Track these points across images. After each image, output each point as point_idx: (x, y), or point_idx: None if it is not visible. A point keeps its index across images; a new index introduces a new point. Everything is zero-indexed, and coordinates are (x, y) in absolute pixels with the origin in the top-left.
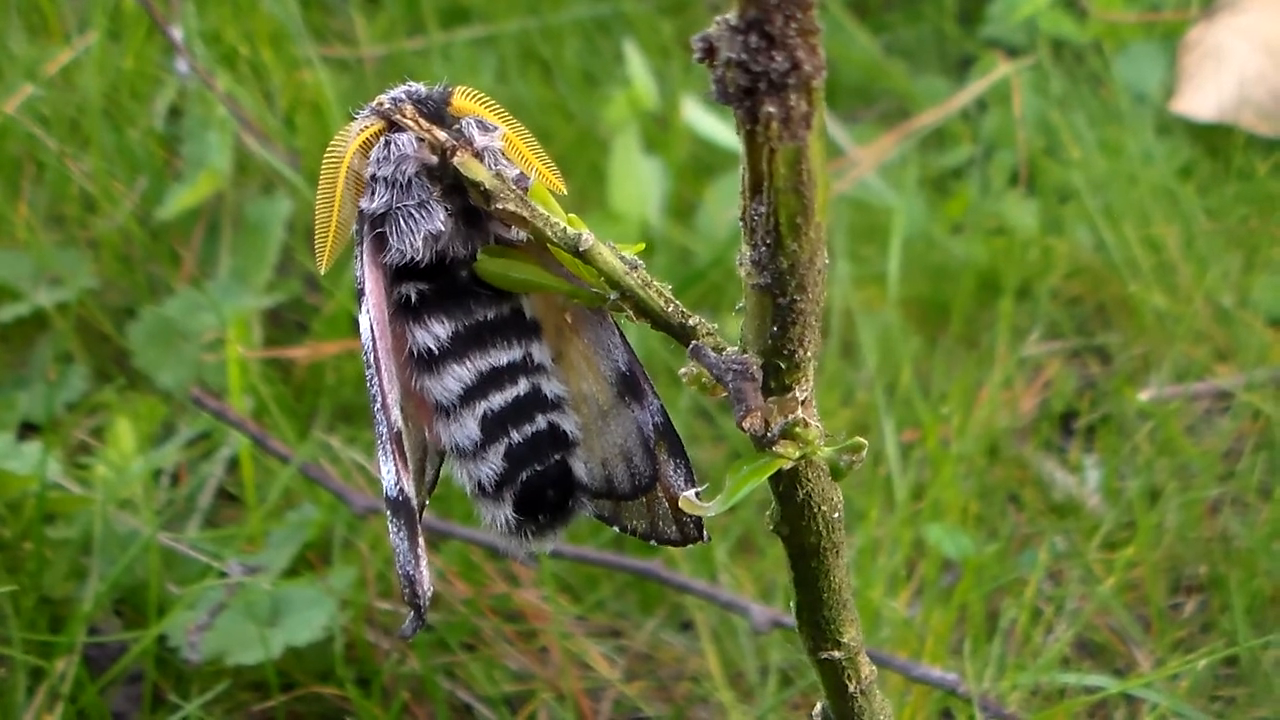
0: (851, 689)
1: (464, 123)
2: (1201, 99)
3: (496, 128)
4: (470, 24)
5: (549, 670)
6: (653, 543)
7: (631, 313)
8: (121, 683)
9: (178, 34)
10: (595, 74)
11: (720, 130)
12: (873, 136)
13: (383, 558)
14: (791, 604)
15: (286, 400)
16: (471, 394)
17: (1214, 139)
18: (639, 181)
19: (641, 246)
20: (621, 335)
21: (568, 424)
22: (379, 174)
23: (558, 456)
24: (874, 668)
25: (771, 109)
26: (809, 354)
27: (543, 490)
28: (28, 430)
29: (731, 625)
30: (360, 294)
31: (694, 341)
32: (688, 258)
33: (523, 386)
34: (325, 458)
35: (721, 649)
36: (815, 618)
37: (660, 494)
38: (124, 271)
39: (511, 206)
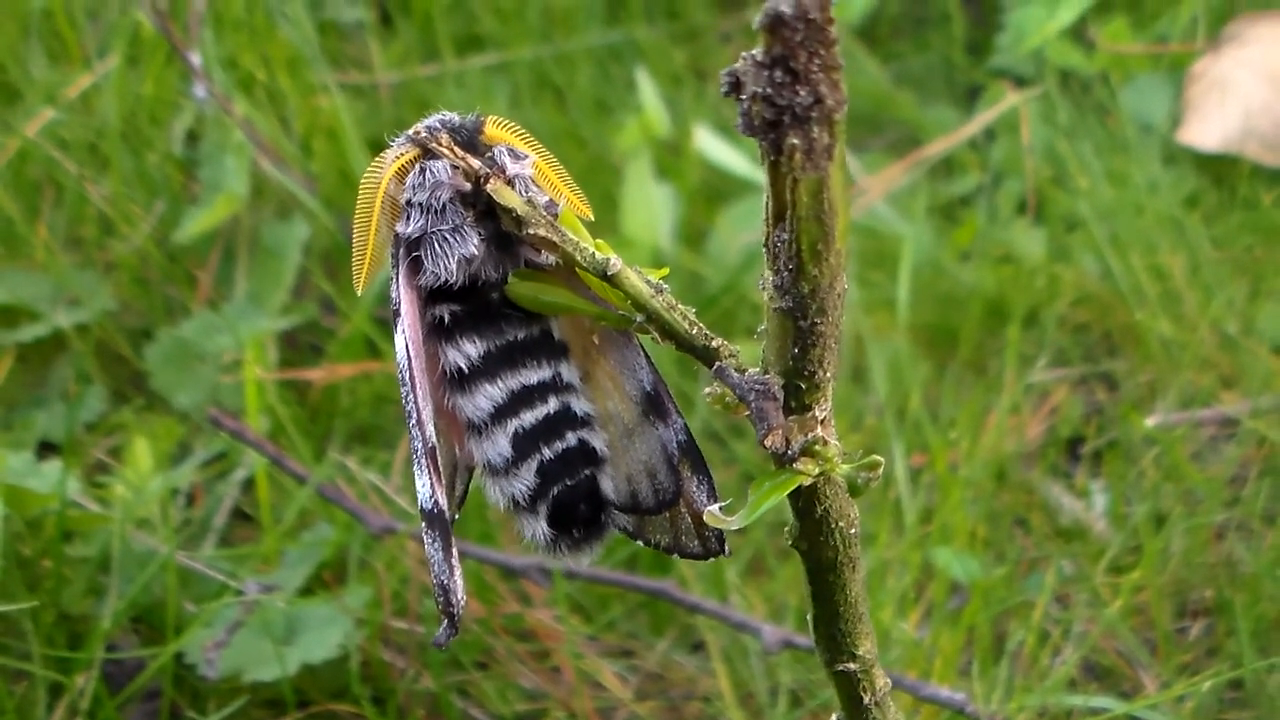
0: (866, 701)
1: (496, 150)
2: (1207, 130)
3: (527, 155)
4: (484, 51)
5: (561, 689)
6: (675, 556)
7: (657, 334)
8: (139, 699)
9: (196, 60)
10: (608, 101)
11: (731, 158)
12: (882, 165)
13: (398, 577)
14: (808, 618)
15: (302, 421)
16: (503, 412)
17: (1219, 169)
18: (651, 208)
19: (666, 271)
20: (646, 356)
21: (597, 441)
22: (414, 199)
23: (588, 472)
24: (888, 680)
25: (795, 141)
26: (829, 375)
27: (574, 505)
28: (46, 450)
29: (742, 646)
30: (396, 315)
31: (717, 362)
32: (699, 284)
33: (553, 404)
34: (341, 478)
35: (732, 669)
36: (831, 631)
37: (683, 509)
38: (141, 293)
39: (542, 232)
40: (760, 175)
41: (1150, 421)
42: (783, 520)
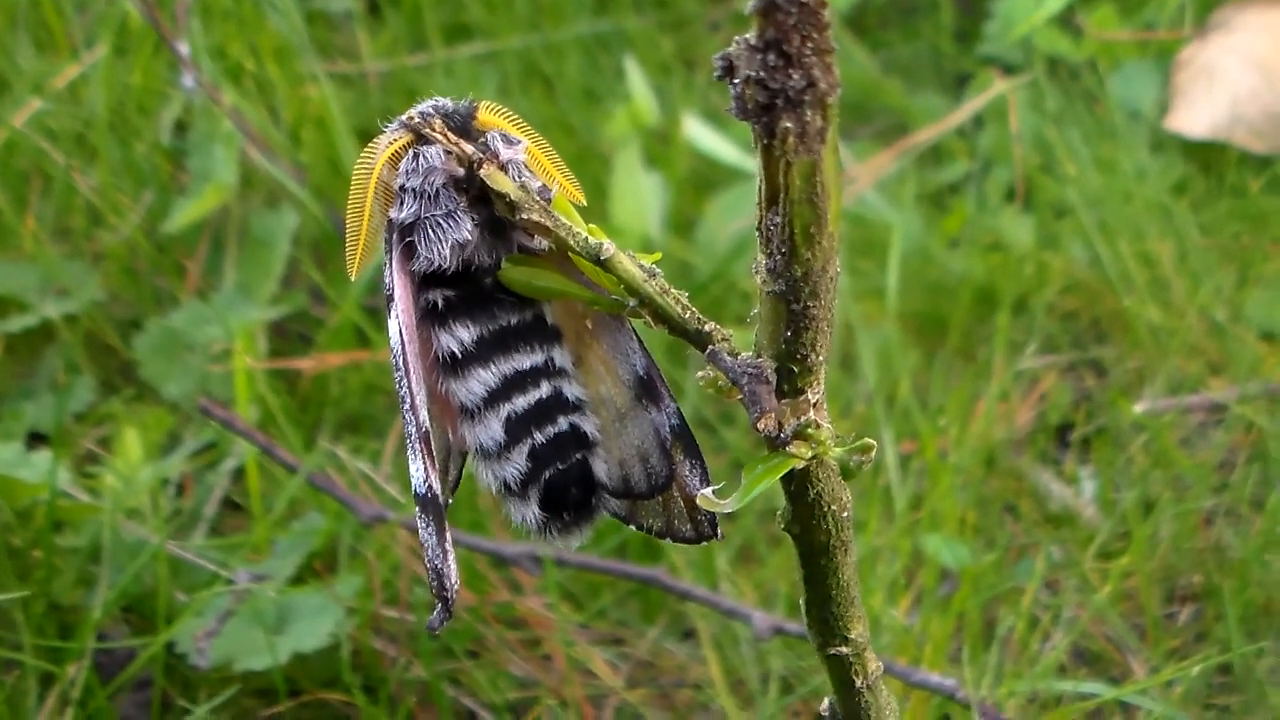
0: (858, 684)
1: (489, 136)
2: (1195, 116)
3: (520, 141)
4: (473, 40)
5: (552, 677)
6: (667, 540)
7: (649, 319)
8: (130, 689)
9: (184, 49)
10: (596, 90)
11: (720, 146)
12: (870, 153)
13: (388, 566)
14: (800, 602)
15: (292, 411)
16: (495, 396)
17: (1207, 156)
18: (640, 196)
19: (659, 256)
20: (639, 341)
21: (588, 425)
22: (408, 185)
23: (579, 456)
24: (880, 663)
25: (788, 124)
26: (821, 358)
27: (566, 488)
28: (36, 440)
29: (733, 633)
30: (389, 300)
31: (710, 346)
32: (688, 271)
33: (545, 389)
34: (331, 467)
35: (723, 656)
36: (824, 614)
37: (676, 493)
38: (130, 284)
39: (535, 217)
40: (749, 163)
41: (1139, 408)
42: (772, 508)
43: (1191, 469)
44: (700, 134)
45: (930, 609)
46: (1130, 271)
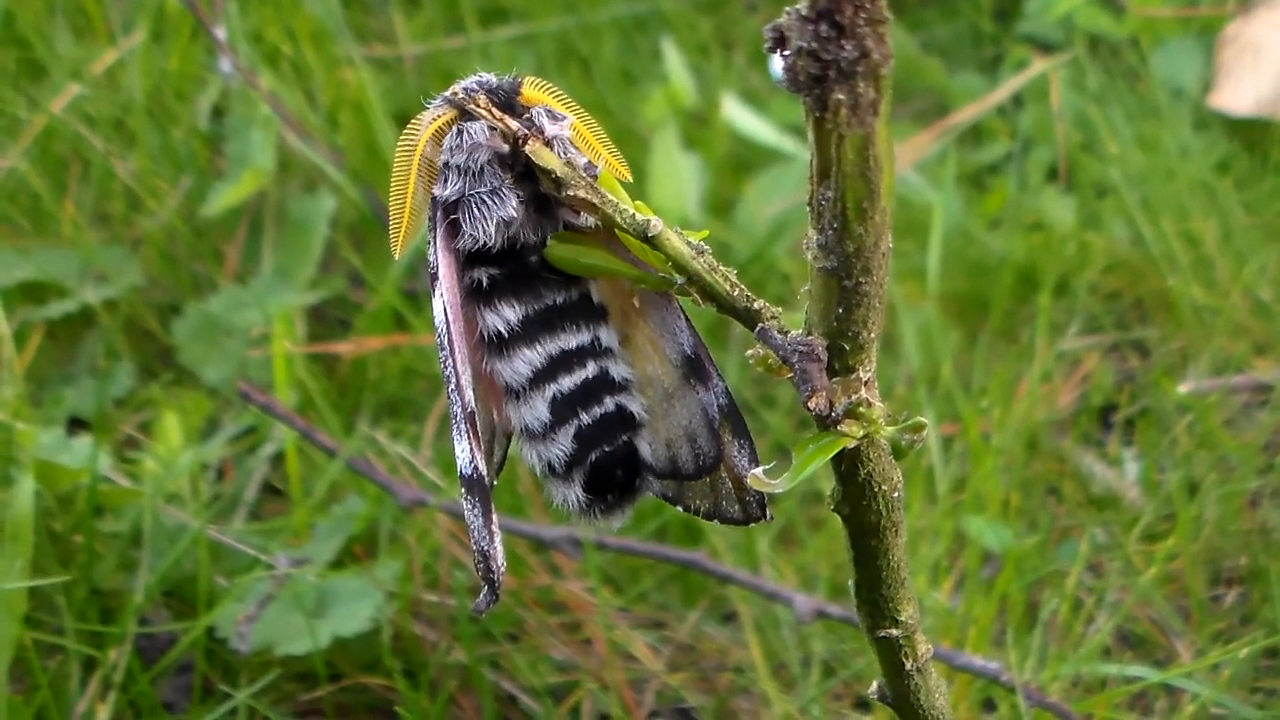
0: (908, 666)
1: (534, 112)
2: (1239, 94)
3: (565, 117)
4: (509, 23)
5: (593, 661)
6: (715, 521)
7: (698, 297)
8: (171, 673)
9: (221, 34)
10: (634, 72)
11: (759, 127)
12: (910, 133)
13: (429, 550)
14: (850, 584)
15: (331, 395)
16: (541, 377)
17: (1252, 133)
18: (678, 178)
19: (706, 233)
20: (686, 319)
21: (635, 405)
22: (452, 162)
23: (625, 437)
24: (930, 646)
25: (841, 96)
26: (872, 336)
27: (611, 470)
28: (76, 425)
29: (774, 616)
30: (433, 279)
31: (760, 324)
32: (727, 253)
33: (591, 369)
34: (371, 451)
35: (764, 640)
36: (874, 596)
37: (724, 474)
38: (169, 269)
39: (582, 193)
40: (788, 144)
41: (1183, 388)
42: (813, 490)
43: (1237, 450)
44: (739, 115)
45: (973, 591)
46: (1174, 251)
